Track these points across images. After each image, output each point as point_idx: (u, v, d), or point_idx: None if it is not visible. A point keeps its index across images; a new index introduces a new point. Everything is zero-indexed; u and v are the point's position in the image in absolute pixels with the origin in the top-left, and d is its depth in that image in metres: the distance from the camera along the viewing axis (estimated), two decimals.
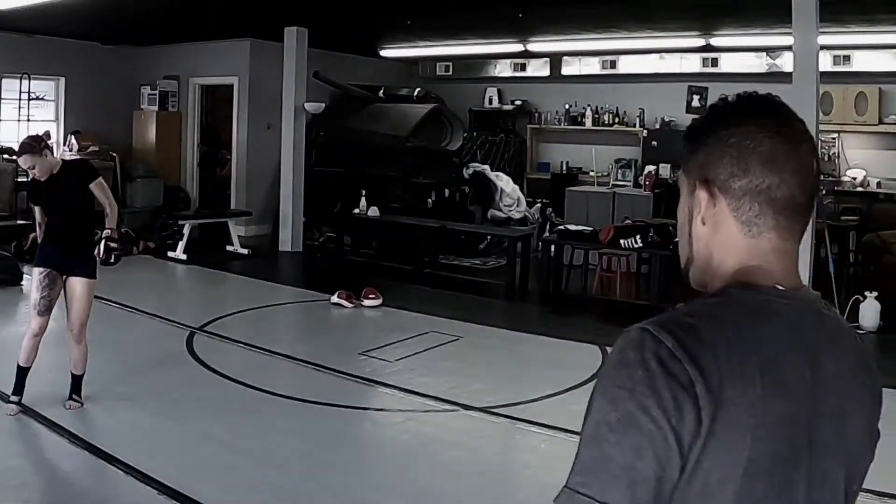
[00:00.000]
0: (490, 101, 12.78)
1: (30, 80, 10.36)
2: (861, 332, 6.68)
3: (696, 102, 10.66)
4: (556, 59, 11.75)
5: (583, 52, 11.33)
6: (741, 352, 0.92)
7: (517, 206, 10.67)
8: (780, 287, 0.99)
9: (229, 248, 9.98)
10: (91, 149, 10.86)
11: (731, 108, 1.04)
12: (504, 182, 10.75)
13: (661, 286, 7.67)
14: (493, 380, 5.28)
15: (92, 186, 4.45)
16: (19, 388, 4.31)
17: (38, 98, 10.85)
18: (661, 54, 10.78)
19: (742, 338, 0.93)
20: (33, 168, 4.28)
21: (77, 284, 4.38)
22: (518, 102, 12.53)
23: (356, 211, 9.31)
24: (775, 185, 0.99)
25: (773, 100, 1.04)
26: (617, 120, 11.67)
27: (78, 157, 10.77)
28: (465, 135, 11.52)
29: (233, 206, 11.25)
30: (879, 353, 6.42)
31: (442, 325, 6.56)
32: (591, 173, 11.02)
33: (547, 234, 8.71)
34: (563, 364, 5.66)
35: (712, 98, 10.55)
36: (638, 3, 8.00)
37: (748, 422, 0.89)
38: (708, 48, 9.96)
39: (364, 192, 9.34)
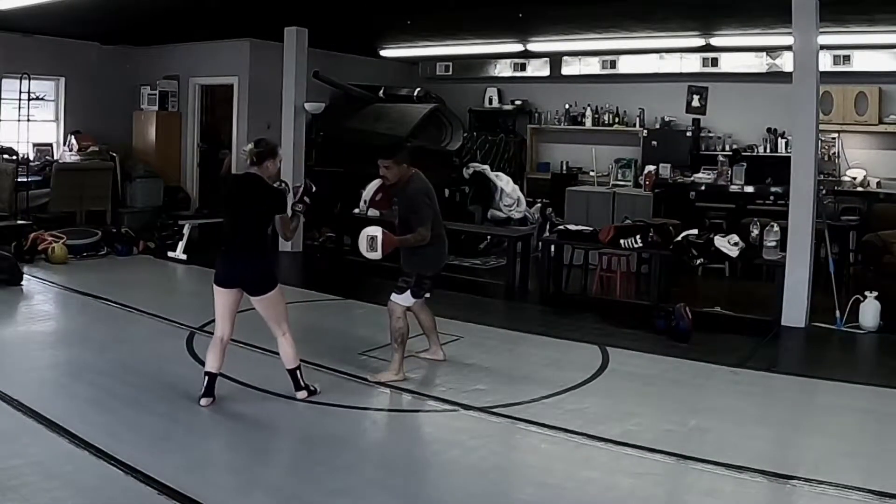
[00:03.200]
0: (490, 101, 12.79)
1: (30, 80, 10.35)
2: (861, 331, 6.70)
3: (696, 102, 10.66)
4: (556, 59, 11.76)
5: (583, 52, 11.33)
6: None
7: (517, 206, 10.67)
8: None
9: None
10: (91, 149, 10.87)
11: None
12: (504, 182, 10.75)
13: (661, 286, 7.68)
14: (493, 380, 5.28)
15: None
16: None
17: (38, 98, 10.84)
18: (661, 54, 10.78)
19: None
20: None
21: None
22: (518, 102, 12.54)
23: (356, 211, 9.30)
24: None
25: None
26: (617, 120, 11.68)
27: (78, 157, 10.81)
28: (465, 135, 11.51)
29: None
30: (879, 353, 6.43)
31: (442, 325, 6.52)
32: (591, 173, 11.03)
33: (547, 234, 8.70)
34: (563, 364, 5.66)
35: (712, 98, 10.59)
36: (638, 3, 8.00)
37: None
38: (708, 48, 9.96)
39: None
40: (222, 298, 4.67)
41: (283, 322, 4.75)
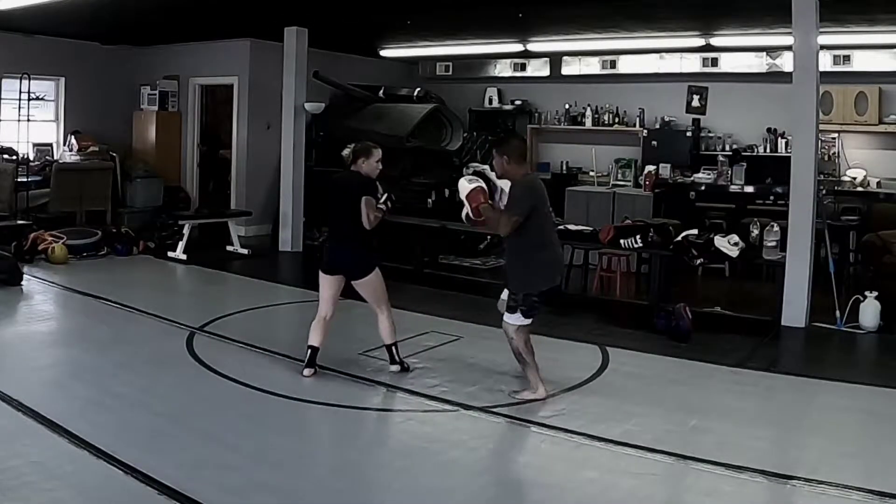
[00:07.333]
0: (490, 101, 12.78)
1: (30, 80, 10.36)
2: (861, 331, 6.70)
3: (696, 102, 10.65)
4: (556, 59, 11.75)
5: (583, 52, 11.32)
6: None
7: None
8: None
9: (229, 248, 9.98)
10: (91, 149, 10.87)
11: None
12: (504, 182, 10.72)
13: (661, 286, 7.68)
14: (493, 380, 5.27)
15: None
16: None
17: (38, 98, 10.85)
18: (661, 54, 10.77)
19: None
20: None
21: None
22: (518, 102, 12.52)
23: None
24: None
25: None
26: (617, 120, 11.67)
27: (78, 157, 10.81)
28: (465, 135, 11.51)
29: (233, 206, 11.25)
30: (879, 353, 6.43)
31: (442, 325, 6.56)
32: (591, 173, 11.03)
33: None
34: (563, 364, 5.66)
35: (712, 98, 10.58)
36: (638, 3, 8.00)
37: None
38: (708, 48, 9.96)
39: None
40: (326, 283, 5.18)
41: (383, 302, 5.23)
